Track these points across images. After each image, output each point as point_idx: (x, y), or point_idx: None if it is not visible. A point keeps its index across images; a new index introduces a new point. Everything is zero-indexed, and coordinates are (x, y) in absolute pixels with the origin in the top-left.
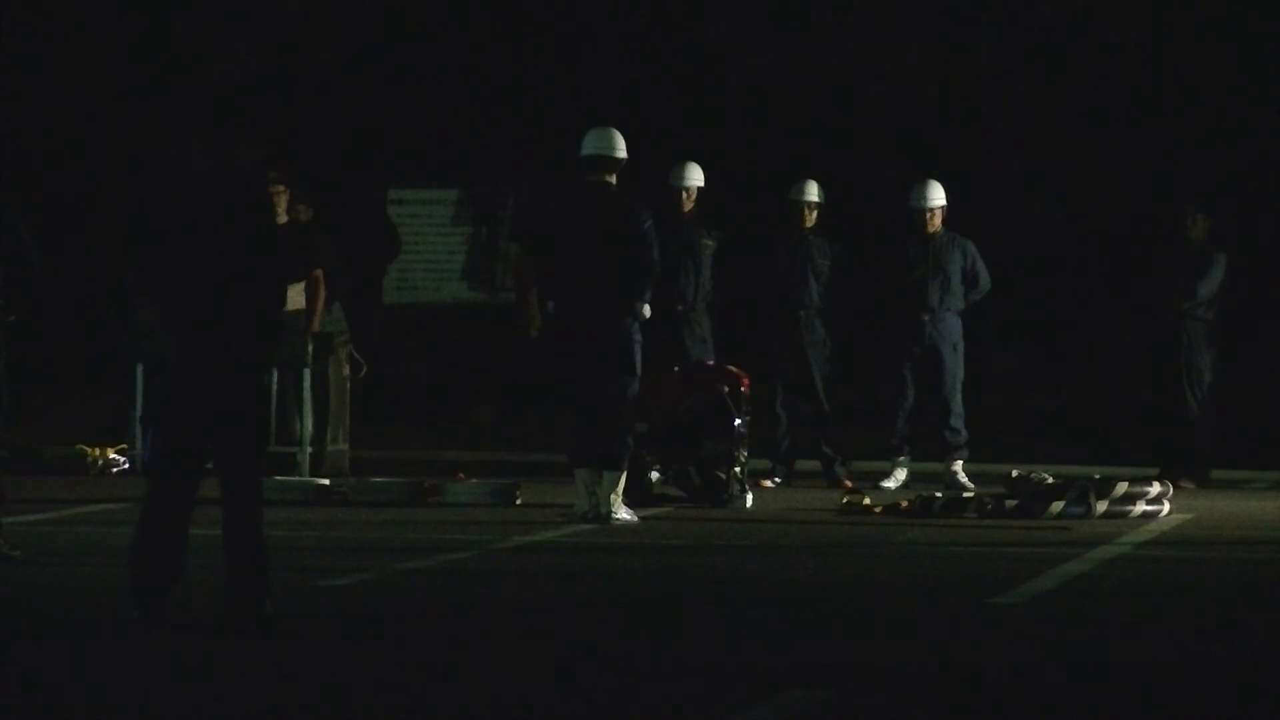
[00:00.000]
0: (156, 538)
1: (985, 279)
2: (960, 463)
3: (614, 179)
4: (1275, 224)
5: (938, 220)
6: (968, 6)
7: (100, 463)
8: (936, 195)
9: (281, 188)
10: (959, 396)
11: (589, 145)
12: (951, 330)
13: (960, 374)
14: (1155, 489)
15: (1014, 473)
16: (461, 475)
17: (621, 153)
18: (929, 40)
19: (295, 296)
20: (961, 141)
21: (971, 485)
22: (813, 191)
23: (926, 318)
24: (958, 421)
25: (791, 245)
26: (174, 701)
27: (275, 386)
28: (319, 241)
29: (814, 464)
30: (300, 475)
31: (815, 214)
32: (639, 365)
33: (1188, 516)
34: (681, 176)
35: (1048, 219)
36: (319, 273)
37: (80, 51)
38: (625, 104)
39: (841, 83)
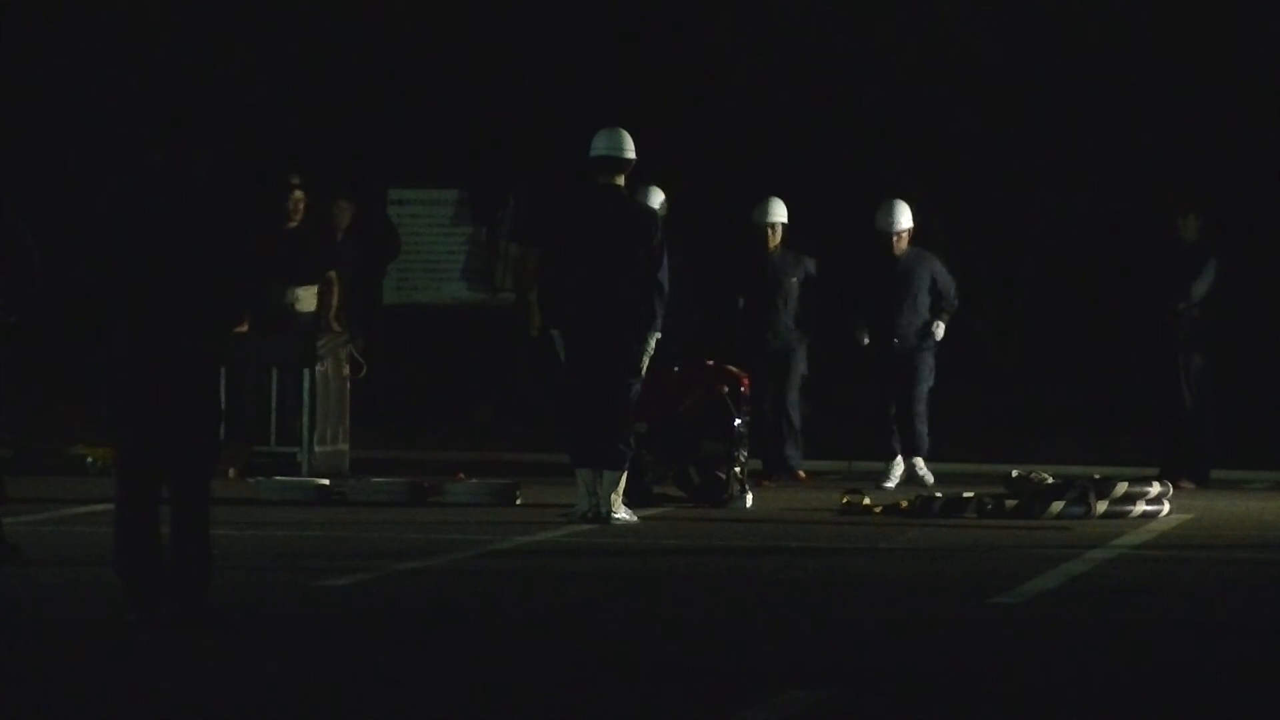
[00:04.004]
0: (131, 537)
1: (952, 298)
2: (920, 458)
3: (623, 180)
4: (1270, 223)
5: (904, 243)
6: (965, 6)
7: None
8: (903, 218)
9: (300, 194)
10: (923, 405)
11: (598, 146)
12: (922, 344)
13: (929, 382)
14: (1155, 489)
15: (1014, 473)
16: (461, 475)
17: (631, 154)
18: (928, 40)
19: (309, 298)
20: (961, 142)
21: (932, 479)
22: (777, 212)
23: (896, 340)
24: (921, 424)
25: (758, 269)
26: (174, 701)
27: (275, 386)
28: (328, 243)
29: (805, 466)
30: (300, 475)
31: (780, 233)
32: (643, 367)
33: (1188, 516)
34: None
35: (1047, 219)
36: (333, 274)
37: (82, 51)
38: (626, 104)
39: (842, 81)
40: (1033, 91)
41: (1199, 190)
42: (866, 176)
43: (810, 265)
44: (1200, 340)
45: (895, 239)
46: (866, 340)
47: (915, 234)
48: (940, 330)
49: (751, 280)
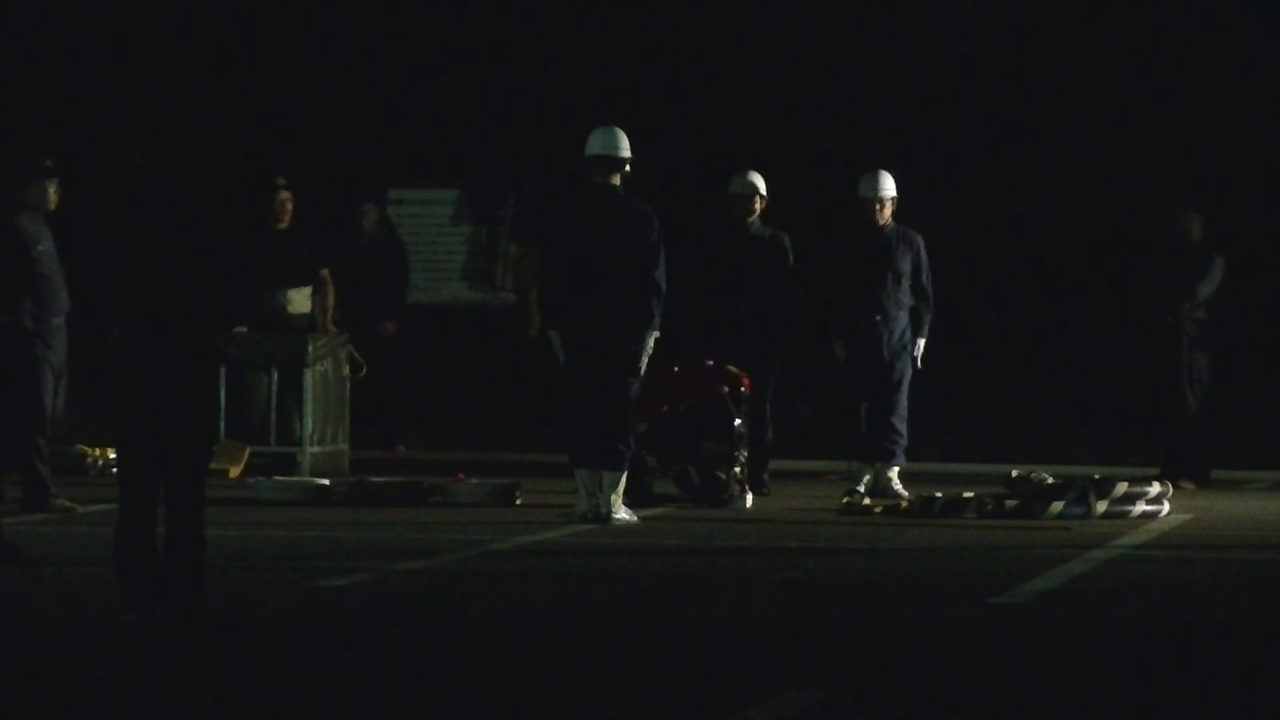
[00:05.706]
0: (129, 537)
1: (928, 295)
2: (896, 470)
3: (618, 180)
4: (1271, 224)
5: (887, 212)
6: (966, 6)
7: (100, 463)
8: (887, 186)
9: (287, 194)
10: (904, 400)
11: (593, 145)
12: (904, 331)
13: (908, 375)
14: (1155, 489)
15: (1014, 473)
16: (461, 475)
17: (626, 152)
18: (928, 39)
19: (301, 300)
20: (960, 142)
21: (905, 493)
22: (758, 183)
23: (879, 318)
24: (900, 423)
25: (733, 244)
26: (174, 701)
27: (275, 386)
28: (321, 244)
29: (805, 466)
30: (300, 475)
31: (758, 207)
32: (642, 366)
33: (1188, 516)
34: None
35: (1047, 219)
36: (325, 272)
37: (82, 50)
38: (625, 103)
39: (842, 79)
40: (1032, 91)
41: (1202, 191)
42: (864, 177)
43: (785, 241)
44: (1203, 340)
45: (878, 207)
46: (844, 355)
47: (905, 214)
48: (920, 348)
49: (727, 253)
